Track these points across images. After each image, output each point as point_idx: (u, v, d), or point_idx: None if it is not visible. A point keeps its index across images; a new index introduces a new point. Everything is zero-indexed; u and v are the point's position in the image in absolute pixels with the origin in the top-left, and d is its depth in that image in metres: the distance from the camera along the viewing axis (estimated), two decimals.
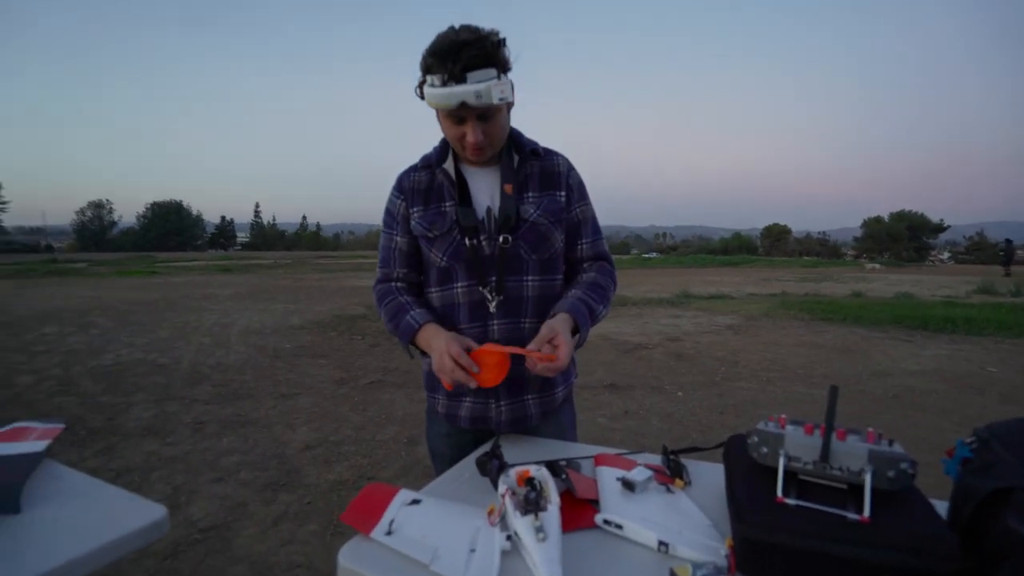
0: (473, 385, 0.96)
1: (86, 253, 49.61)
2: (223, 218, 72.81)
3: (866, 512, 0.60)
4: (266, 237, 75.39)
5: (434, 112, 1.04)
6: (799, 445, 0.68)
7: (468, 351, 0.98)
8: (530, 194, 1.10)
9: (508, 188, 1.07)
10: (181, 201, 66.06)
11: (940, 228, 50.65)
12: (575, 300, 1.06)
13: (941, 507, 0.69)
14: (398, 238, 1.13)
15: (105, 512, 0.83)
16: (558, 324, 0.99)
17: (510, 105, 1.05)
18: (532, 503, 0.75)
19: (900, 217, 50.22)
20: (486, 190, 1.09)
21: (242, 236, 79.62)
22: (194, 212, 67.55)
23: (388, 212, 1.15)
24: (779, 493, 0.65)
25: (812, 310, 8.76)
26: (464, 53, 0.92)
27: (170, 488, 2.54)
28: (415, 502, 0.84)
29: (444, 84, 0.94)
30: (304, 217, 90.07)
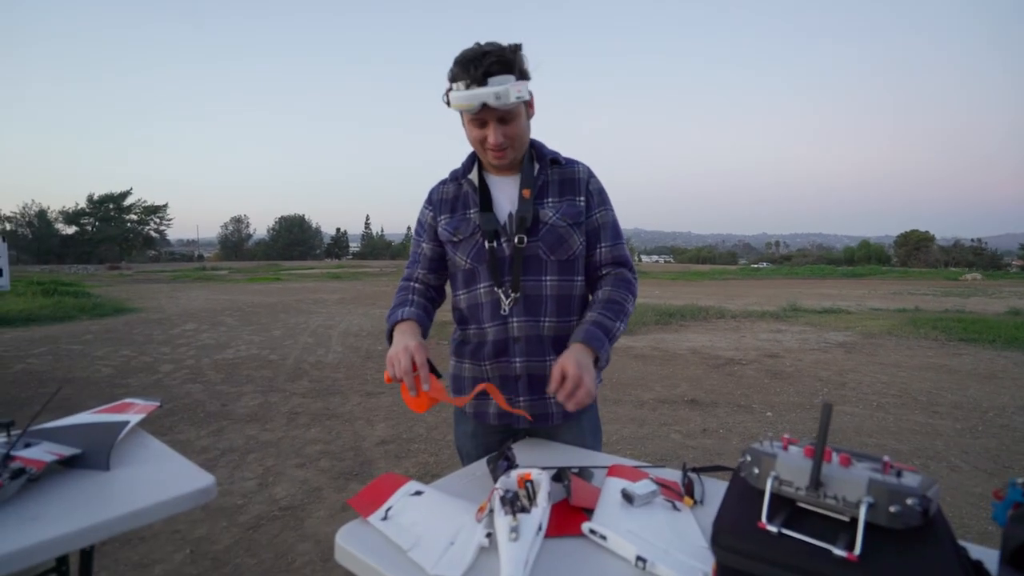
0: (409, 393, 1.02)
1: (227, 262, 57.14)
2: (338, 230, 79.91)
3: (856, 550, 0.52)
4: (374, 247, 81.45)
5: (460, 122, 1.13)
6: (794, 468, 0.61)
7: (429, 362, 1.04)
8: (549, 199, 1.15)
9: (526, 192, 1.14)
10: (303, 215, 73.66)
11: None
12: (589, 325, 1.09)
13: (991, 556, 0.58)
14: (424, 244, 1.23)
15: (169, 476, 0.98)
16: (566, 356, 1.02)
17: (530, 113, 1.12)
18: (510, 503, 0.75)
19: None
20: (508, 197, 1.16)
21: (354, 246, 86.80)
22: (314, 225, 74.93)
23: (418, 222, 1.26)
24: (763, 518, 0.59)
25: (950, 329, 7.56)
26: (485, 60, 1.01)
27: (261, 469, 2.85)
28: (417, 493, 0.88)
29: (467, 87, 1.02)
30: (408, 228, 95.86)
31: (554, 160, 1.18)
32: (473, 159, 1.20)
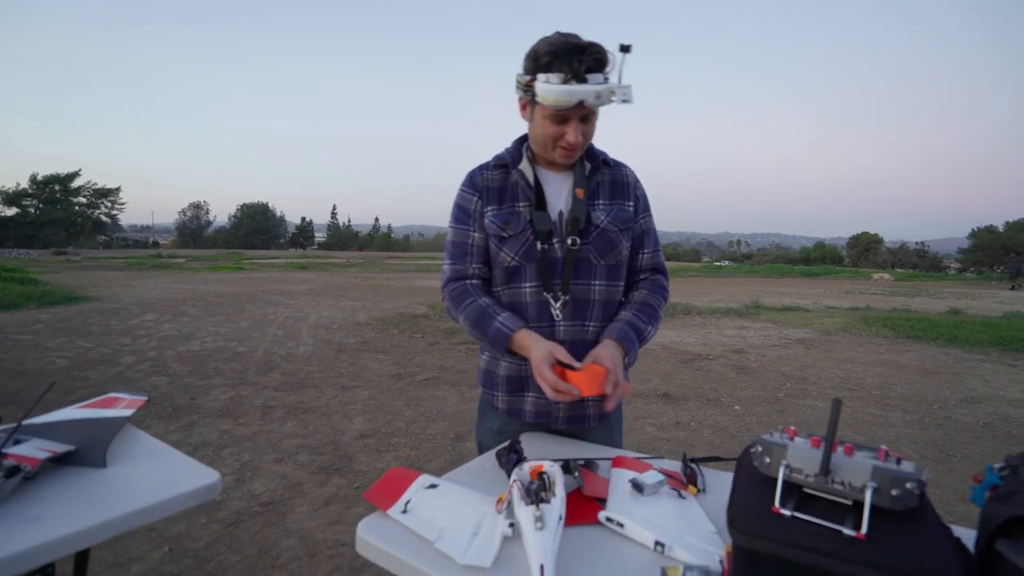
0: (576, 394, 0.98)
1: (185, 249, 54.79)
2: (303, 219, 77.85)
3: (863, 529, 0.58)
4: (341, 237, 79.67)
5: (518, 111, 1.08)
6: (803, 457, 0.66)
7: (558, 364, 1.00)
8: (600, 201, 1.12)
9: (580, 192, 1.09)
10: (267, 203, 71.38)
11: None
12: (624, 324, 1.09)
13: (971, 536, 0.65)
14: (475, 234, 1.14)
15: (172, 473, 0.96)
16: (601, 350, 1.02)
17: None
18: (535, 494, 0.78)
19: (1020, 226, 44.64)
20: (558, 194, 1.12)
21: (320, 236, 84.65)
22: (278, 213, 72.69)
23: (461, 208, 1.15)
24: (776, 503, 0.64)
25: (898, 327, 8.04)
26: (586, 55, 0.96)
27: (238, 464, 2.79)
28: (432, 486, 0.90)
29: (564, 82, 0.96)
30: (376, 219, 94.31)
31: (604, 160, 1.15)
32: (522, 147, 1.14)
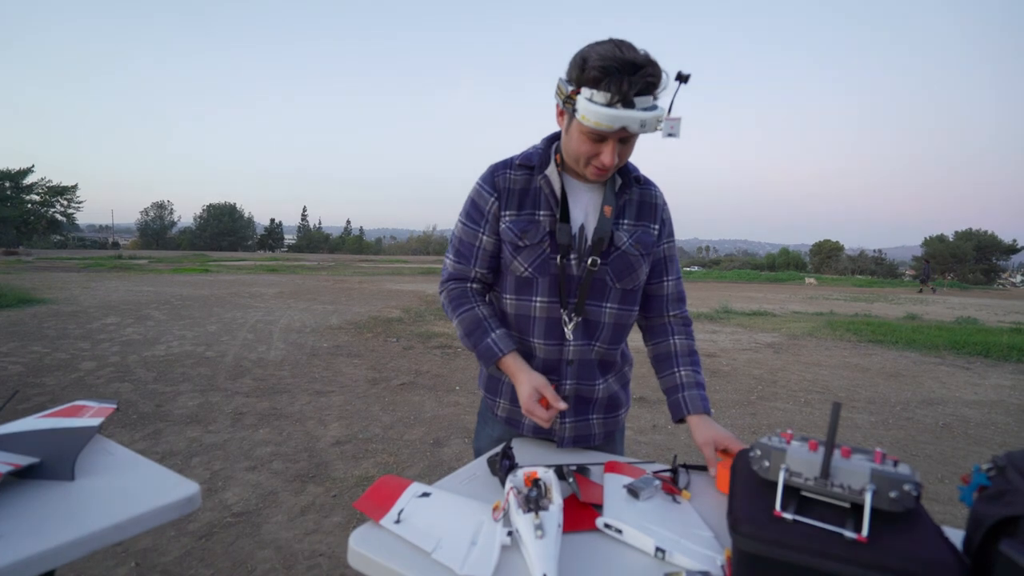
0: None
1: (148, 251, 52.80)
2: (272, 220, 75.94)
3: (864, 531, 0.59)
4: (312, 240, 78.11)
5: (555, 116, 1.01)
6: (801, 461, 0.67)
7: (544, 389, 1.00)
8: (625, 221, 1.07)
9: (608, 211, 1.03)
10: (235, 203, 69.35)
11: (1012, 249, 47.19)
12: (700, 391, 1.08)
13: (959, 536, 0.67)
14: (485, 237, 1.07)
15: (146, 485, 0.91)
16: (716, 434, 1.01)
17: None
18: (533, 502, 0.77)
19: (967, 236, 47.10)
20: (583, 207, 1.05)
21: (289, 238, 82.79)
22: (246, 214, 70.75)
23: (475, 206, 1.08)
24: (777, 507, 0.65)
25: (861, 331, 8.35)
26: (639, 76, 0.87)
27: (208, 473, 2.68)
28: (425, 495, 0.88)
29: (610, 103, 0.88)
30: (348, 221, 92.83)
31: (636, 178, 1.09)
32: (551, 150, 1.06)
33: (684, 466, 1.02)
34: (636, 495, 0.87)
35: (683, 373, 1.10)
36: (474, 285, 1.11)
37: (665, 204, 1.13)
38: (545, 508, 0.77)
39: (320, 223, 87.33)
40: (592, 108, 0.88)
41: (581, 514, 0.83)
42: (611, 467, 1.00)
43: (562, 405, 0.98)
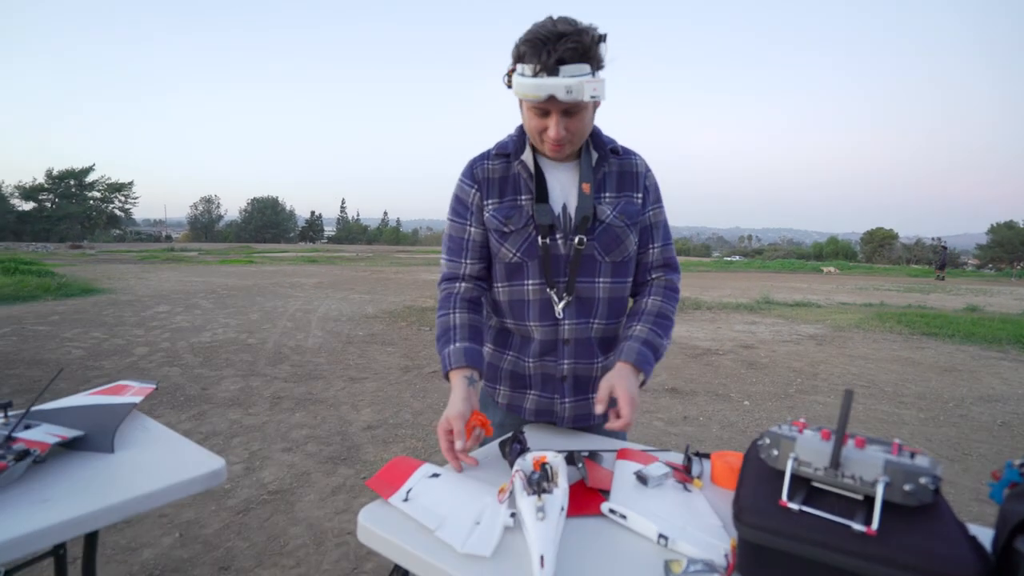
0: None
1: (197, 243, 55.38)
2: (312, 213, 78.19)
3: (874, 524, 0.56)
4: (350, 231, 80.00)
5: (516, 100, 1.01)
6: (812, 450, 0.65)
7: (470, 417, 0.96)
8: (607, 194, 1.06)
9: (586, 187, 1.03)
10: (277, 197, 71.75)
11: None
12: (640, 345, 1.02)
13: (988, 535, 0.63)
14: (472, 228, 1.09)
15: (177, 459, 0.97)
16: (618, 380, 0.97)
17: (597, 104, 1.00)
18: (536, 484, 0.77)
19: None
20: (562, 185, 1.06)
21: (329, 230, 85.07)
22: (288, 207, 73.08)
23: (459, 200, 1.10)
24: (783, 496, 0.62)
25: (913, 323, 7.90)
26: (560, 44, 0.88)
27: (247, 453, 2.82)
28: (435, 476, 0.90)
29: (535, 75, 0.90)
30: (385, 213, 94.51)
31: (612, 149, 1.08)
32: (525, 136, 1.07)
33: (699, 453, 1.00)
34: (645, 482, 0.86)
35: (638, 328, 1.06)
36: (463, 285, 1.10)
37: (648, 171, 1.11)
38: (549, 491, 0.77)
39: (358, 215, 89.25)
40: (521, 81, 0.92)
41: (588, 499, 0.83)
42: (624, 454, 0.99)
43: (464, 446, 0.92)
